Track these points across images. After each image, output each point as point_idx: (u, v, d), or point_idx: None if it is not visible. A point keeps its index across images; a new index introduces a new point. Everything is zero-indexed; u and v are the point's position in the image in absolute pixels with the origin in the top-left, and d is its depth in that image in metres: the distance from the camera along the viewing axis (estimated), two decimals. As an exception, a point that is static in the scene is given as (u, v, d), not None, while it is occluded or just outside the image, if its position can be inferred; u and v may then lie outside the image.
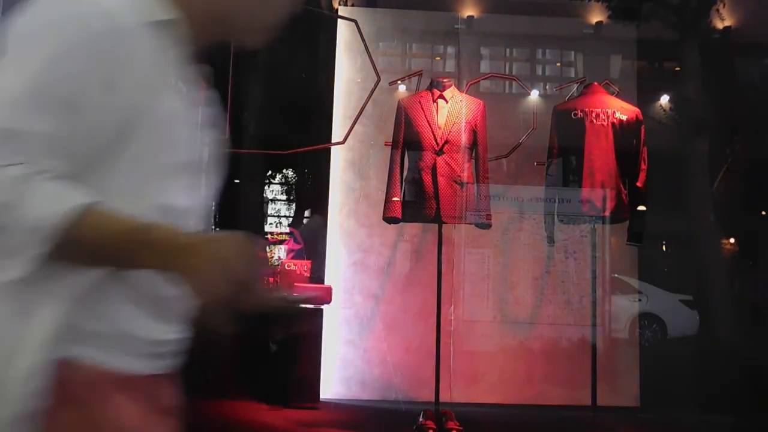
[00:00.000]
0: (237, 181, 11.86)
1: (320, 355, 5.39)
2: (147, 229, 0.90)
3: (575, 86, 5.22)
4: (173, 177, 1.00)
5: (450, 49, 6.52)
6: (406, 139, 4.76)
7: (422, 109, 4.73)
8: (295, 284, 5.61)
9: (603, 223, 4.84)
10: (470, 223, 4.73)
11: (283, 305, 1.09)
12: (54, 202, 0.85)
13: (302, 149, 6.45)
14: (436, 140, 4.65)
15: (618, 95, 4.95)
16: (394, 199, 4.71)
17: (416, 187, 4.66)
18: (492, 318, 5.76)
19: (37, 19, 0.93)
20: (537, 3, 6.59)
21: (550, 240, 4.90)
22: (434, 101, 4.74)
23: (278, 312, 1.08)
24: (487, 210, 4.69)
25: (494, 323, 5.75)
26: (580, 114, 4.75)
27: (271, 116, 10.38)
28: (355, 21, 5.53)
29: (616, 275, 6.06)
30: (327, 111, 5.94)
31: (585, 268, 4.92)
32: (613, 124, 4.71)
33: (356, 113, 5.40)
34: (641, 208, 4.74)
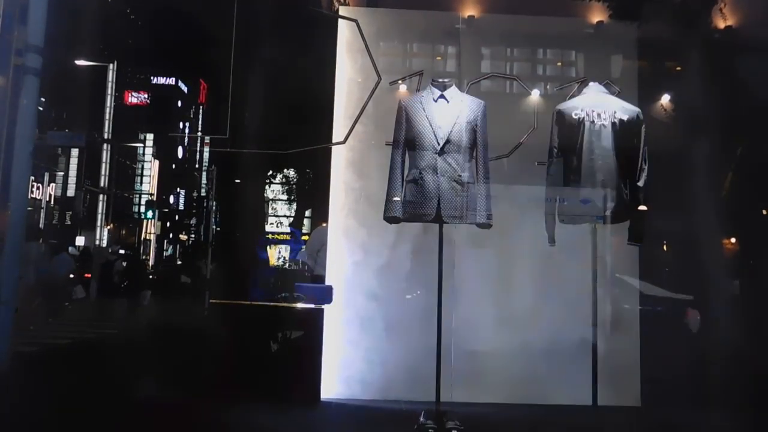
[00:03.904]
0: (237, 181, 11.87)
1: (321, 355, 5.39)
2: None
3: (576, 86, 5.21)
4: None
5: (451, 49, 6.50)
6: (407, 139, 4.76)
7: (423, 108, 4.73)
8: (296, 284, 5.62)
9: (604, 222, 4.84)
10: (471, 223, 4.73)
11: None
12: None
13: (303, 149, 6.44)
14: (437, 140, 4.65)
15: (619, 95, 4.95)
16: (394, 198, 4.71)
17: (417, 187, 4.66)
18: (492, 318, 5.75)
19: None
20: (537, 3, 6.57)
21: (551, 240, 4.90)
22: (435, 101, 4.74)
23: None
24: (487, 210, 4.68)
25: (494, 323, 5.74)
26: (581, 114, 4.76)
27: (271, 116, 10.38)
28: (355, 21, 5.54)
29: (617, 275, 6.04)
30: (328, 111, 5.94)
31: (586, 268, 4.90)
32: (613, 123, 4.71)
33: (357, 113, 5.40)
34: (642, 207, 4.74)
